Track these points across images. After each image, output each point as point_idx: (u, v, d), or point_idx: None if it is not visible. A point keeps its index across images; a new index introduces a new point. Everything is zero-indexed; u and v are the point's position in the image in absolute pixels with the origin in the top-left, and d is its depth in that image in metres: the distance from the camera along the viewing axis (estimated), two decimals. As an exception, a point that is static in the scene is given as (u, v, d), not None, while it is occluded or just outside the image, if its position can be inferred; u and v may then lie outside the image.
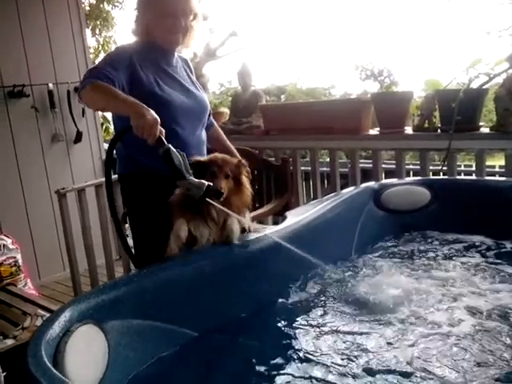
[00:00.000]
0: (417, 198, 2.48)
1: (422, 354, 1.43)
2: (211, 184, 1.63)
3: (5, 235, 3.17)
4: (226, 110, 4.31)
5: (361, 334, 1.58)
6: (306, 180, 4.34)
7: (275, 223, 3.07)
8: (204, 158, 1.78)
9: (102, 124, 5.99)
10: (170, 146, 1.63)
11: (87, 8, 9.43)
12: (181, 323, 1.56)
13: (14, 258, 3.06)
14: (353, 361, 1.43)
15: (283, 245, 1.82)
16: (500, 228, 2.22)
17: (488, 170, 3.32)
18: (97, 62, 2.69)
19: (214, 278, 1.69)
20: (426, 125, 3.00)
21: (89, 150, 4.32)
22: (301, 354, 1.49)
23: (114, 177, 2.07)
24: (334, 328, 1.63)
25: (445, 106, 2.85)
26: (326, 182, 4.44)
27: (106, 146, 4.32)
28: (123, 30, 10.87)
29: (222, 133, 2.35)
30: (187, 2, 1.96)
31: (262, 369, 1.44)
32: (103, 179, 2.30)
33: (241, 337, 1.62)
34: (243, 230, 1.82)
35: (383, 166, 3.45)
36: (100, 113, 4.80)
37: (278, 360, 1.48)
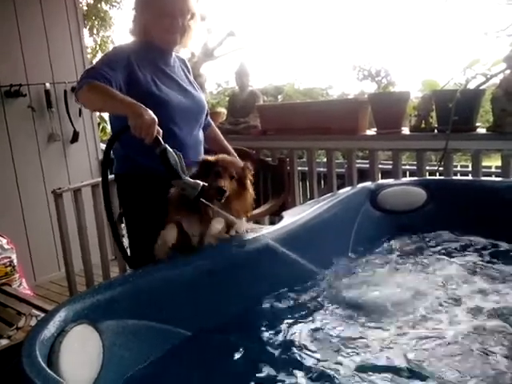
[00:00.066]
0: (413, 199, 2.49)
1: (421, 354, 1.43)
2: (206, 184, 1.64)
3: (0, 235, 3.16)
4: (223, 110, 4.32)
5: (358, 334, 1.58)
6: (302, 180, 4.34)
7: (272, 223, 3.07)
8: (212, 157, 1.78)
9: (99, 124, 5.99)
10: (166, 145, 1.64)
11: (85, 8, 9.42)
12: (176, 323, 1.56)
13: (9, 258, 3.04)
14: (351, 361, 1.43)
15: (279, 248, 1.82)
16: (496, 228, 2.22)
17: (484, 170, 3.33)
18: (94, 61, 2.68)
19: (210, 278, 1.69)
20: (423, 125, 3.00)
21: (85, 149, 4.31)
22: (296, 355, 1.49)
23: (111, 177, 2.07)
24: (331, 329, 1.63)
25: (442, 106, 2.85)
26: (322, 182, 4.44)
27: (102, 146, 4.31)
28: (121, 29, 10.88)
29: (219, 133, 2.35)
30: (185, 1, 1.96)
31: (257, 369, 1.44)
32: (99, 179, 2.30)
33: (236, 337, 1.62)
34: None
35: (380, 166, 3.46)
36: (97, 113, 4.79)
37: (273, 360, 1.47)
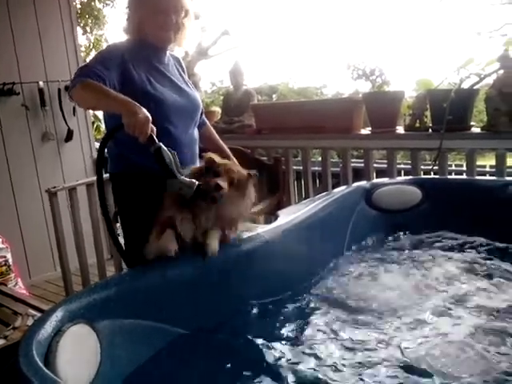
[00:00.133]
0: (408, 198, 2.50)
1: (420, 354, 1.44)
2: (201, 183, 1.63)
3: (-5, 234, 3.15)
4: (217, 109, 4.31)
5: (355, 333, 1.59)
6: (297, 179, 4.35)
7: (267, 222, 3.07)
8: (218, 159, 1.72)
9: (93, 122, 5.97)
10: (161, 144, 1.63)
11: (78, 6, 9.38)
12: (173, 322, 1.56)
13: (4, 257, 3.03)
14: (349, 361, 1.44)
15: (276, 245, 1.82)
16: (491, 227, 2.24)
17: (479, 169, 3.34)
18: (88, 60, 2.67)
19: (208, 278, 1.69)
20: (418, 124, 3.01)
21: (80, 148, 4.29)
22: (293, 354, 1.49)
23: (106, 176, 2.06)
24: (328, 328, 1.64)
25: (436, 105, 2.86)
26: (317, 181, 4.45)
27: (97, 144, 4.30)
28: (115, 28, 10.85)
29: (214, 132, 2.34)
30: None
31: (255, 369, 1.44)
32: (94, 178, 2.29)
33: (234, 336, 1.62)
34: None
35: (375, 165, 3.46)
36: (91, 111, 4.77)
37: (271, 360, 1.48)
